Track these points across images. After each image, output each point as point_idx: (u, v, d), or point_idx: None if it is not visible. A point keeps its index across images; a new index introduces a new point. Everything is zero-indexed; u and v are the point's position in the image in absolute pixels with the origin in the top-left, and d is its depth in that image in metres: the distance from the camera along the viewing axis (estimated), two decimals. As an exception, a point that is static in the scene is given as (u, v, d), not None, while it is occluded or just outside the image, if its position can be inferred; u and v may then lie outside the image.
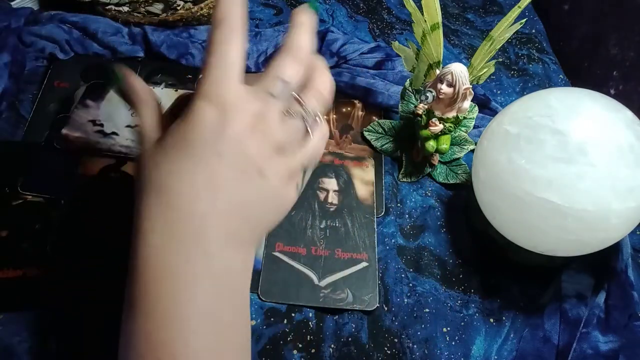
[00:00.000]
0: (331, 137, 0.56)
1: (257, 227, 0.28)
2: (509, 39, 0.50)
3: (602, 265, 0.47)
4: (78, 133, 0.49)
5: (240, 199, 0.26)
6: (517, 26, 0.47)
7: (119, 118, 0.51)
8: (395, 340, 0.43)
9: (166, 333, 0.24)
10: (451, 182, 0.54)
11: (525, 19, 0.49)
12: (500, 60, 0.70)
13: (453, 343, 0.44)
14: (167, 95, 0.54)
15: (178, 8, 0.59)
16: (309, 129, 0.28)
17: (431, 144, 0.49)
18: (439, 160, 0.55)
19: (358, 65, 0.60)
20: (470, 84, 0.45)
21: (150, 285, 0.25)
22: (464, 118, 0.51)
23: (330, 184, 0.51)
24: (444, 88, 0.45)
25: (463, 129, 0.54)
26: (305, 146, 0.28)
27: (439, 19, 0.46)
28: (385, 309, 0.44)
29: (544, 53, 0.73)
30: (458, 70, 0.44)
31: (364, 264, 0.46)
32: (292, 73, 0.28)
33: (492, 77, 0.67)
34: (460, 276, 0.48)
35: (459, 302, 0.46)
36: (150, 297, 0.25)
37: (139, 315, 0.25)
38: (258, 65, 0.59)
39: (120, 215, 0.46)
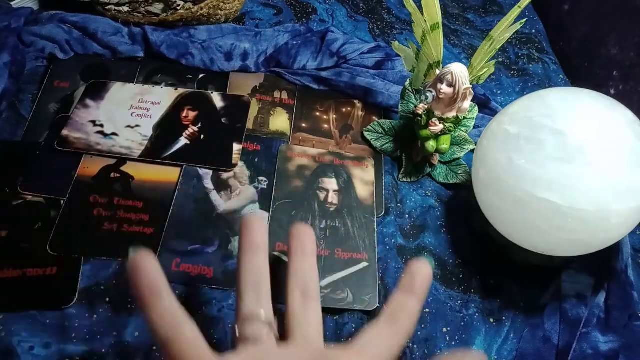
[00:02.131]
0: (331, 137, 0.56)
1: None
2: (509, 39, 0.50)
3: (602, 265, 0.47)
4: (78, 134, 0.49)
5: None
6: (517, 26, 0.47)
7: (119, 118, 0.51)
8: (395, 340, 0.43)
9: None
10: (451, 182, 0.54)
11: (525, 19, 0.49)
12: (500, 60, 0.70)
13: (453, 343, 0.44)
14: (167, 95, 0.54)
15: (178, 8, 0.59)
16: None
17: (431, 144, 0.49)
18: (439, 160, 0.55)
19: (358, 65, 0.60)
20: (470, 84, 0.45)
21: None
22: (464, 118, 0.51)
23: (330, 184, 0.51)
24: (444, 88, 0.45)
25: (463, 129, 0.54)
26: None
27: (439, 19, 0.46)
28: (385, 309, 0.44)
29: (544, 53, 0.73)
30: (458, 70, 0.44)
31: (364, 264, 0.46)
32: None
33: (492, 77, 0.67)
34: (460, 276, 0.48)
35: (459, 302, 0.46)
36: None
37: None
38: (258, 65, 0.59)
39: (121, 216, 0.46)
